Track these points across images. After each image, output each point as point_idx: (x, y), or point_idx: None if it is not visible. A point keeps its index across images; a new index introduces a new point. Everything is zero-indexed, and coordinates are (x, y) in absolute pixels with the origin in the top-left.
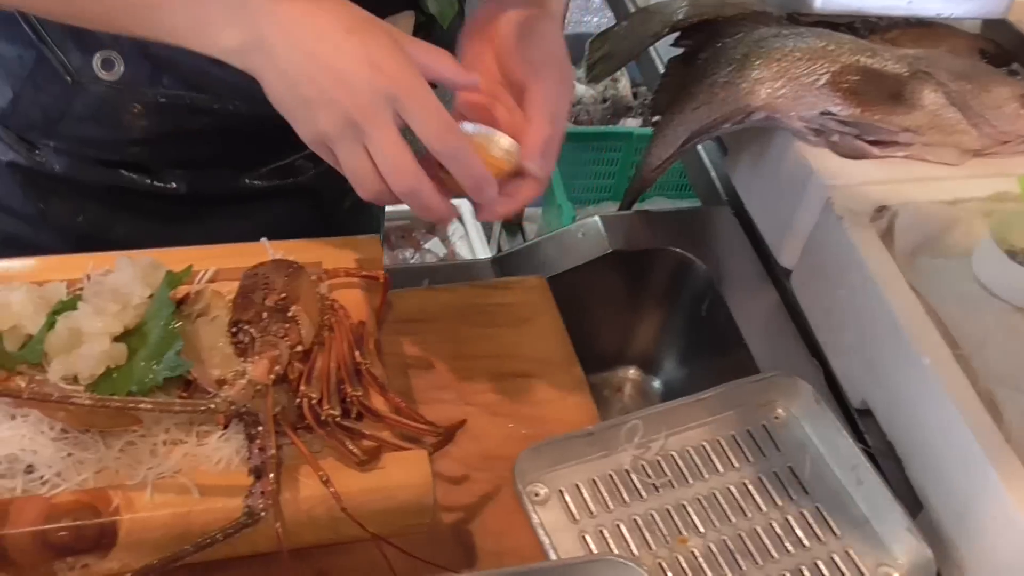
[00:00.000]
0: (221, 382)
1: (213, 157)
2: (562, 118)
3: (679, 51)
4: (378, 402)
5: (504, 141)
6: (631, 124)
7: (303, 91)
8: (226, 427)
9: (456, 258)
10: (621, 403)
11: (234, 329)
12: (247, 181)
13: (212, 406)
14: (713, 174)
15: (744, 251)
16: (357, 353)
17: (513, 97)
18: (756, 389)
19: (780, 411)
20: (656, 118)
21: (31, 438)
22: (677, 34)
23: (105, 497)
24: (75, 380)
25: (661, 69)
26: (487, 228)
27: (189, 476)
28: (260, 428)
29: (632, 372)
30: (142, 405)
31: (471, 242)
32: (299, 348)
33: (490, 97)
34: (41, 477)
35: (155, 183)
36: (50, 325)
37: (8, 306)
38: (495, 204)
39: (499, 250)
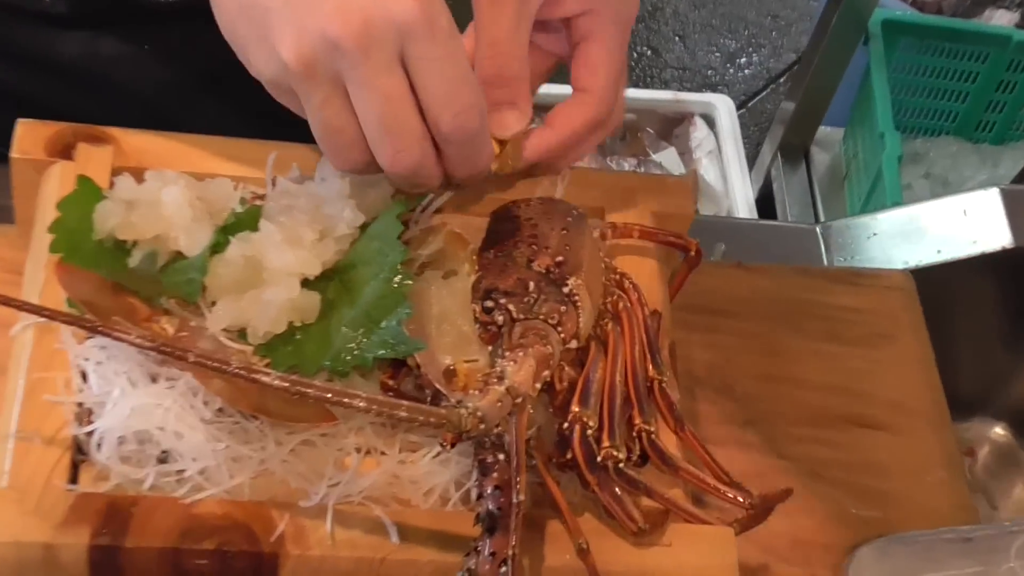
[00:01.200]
0: (451, 375)
1: None
2: (619, 86)
3: None
4: (670, 441)
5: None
6: (1004, 21)
7: None
8: (453, 445)
9: (706, 185)
10: (971, 474)
11: (488, 302)
12: None
13: (455, 419)
14: None
15: None
16: (650, 364)
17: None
18: None
19: None
20: None
21: (176, 414)
22: None
23: (266, 517)
24: (241, 335)
25: None
26: (752, 145)
27: (386, 507)
28: (501, 457)
29: (997, 430)
30: (357, 401)
31: (724, 162)
32: (573, 344)
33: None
34: (179, 472)
35: None
36: (216, 247)
37: (156, 205)
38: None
39: (767, 181)
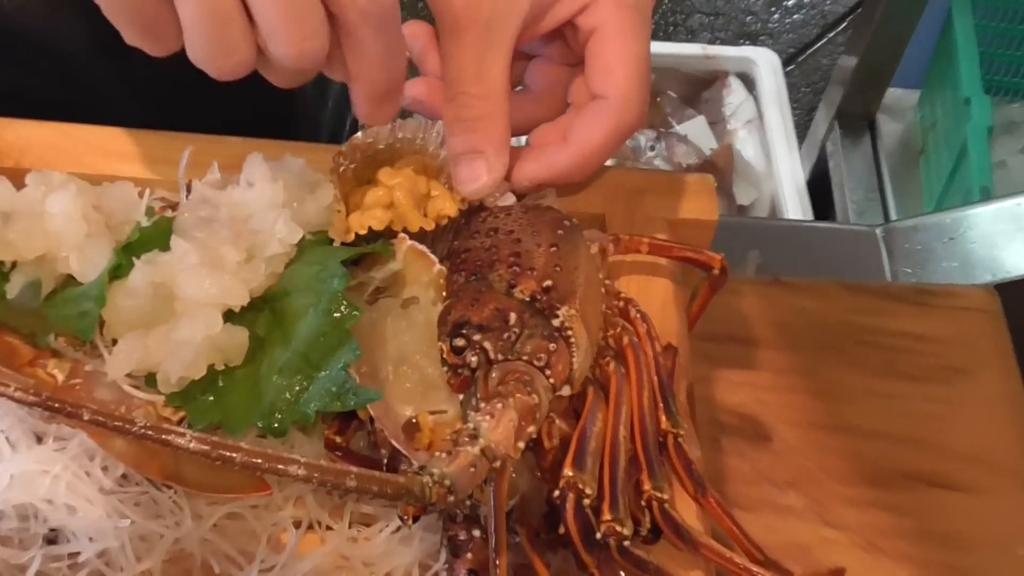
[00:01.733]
0: (412, 430)
1: None
2: (643, 83)
3: None
4: (688, 510)
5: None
6: None
7: None
8: (415, 519)
9: (743, 164)
10: None
11: (458, 339)
12: None
13: (417, 489)
14: None
15: None
16: (663, 414)
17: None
18: None
19: None
20: None
21: (67, 483)
22: None
23: None
24: (149, 382)
25: None
26: (803, 112)
27: None
28: (477, 533)
29: None
30: (292, 468)
31: (767, 134)
32: (566, 391)
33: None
34: (73, 556)
35: None
36: (116, 271)
37: (40, 218)
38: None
39: (821, 157)
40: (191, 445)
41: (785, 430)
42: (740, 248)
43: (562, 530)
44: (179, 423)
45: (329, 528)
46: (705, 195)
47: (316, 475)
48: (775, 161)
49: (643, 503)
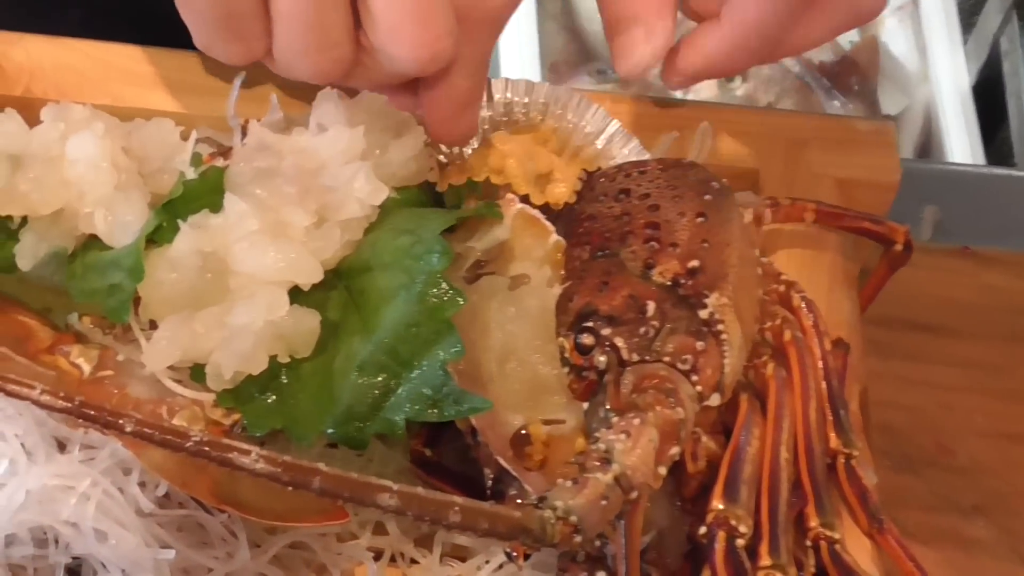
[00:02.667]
0: (522, 443)
1: None
2: None
3: None
4: (861, 548)
5: None
6: None
7: None
8: (526, 557)
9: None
10: None
11: (584, 335)
12: None
13: (537, 526)
14: None
15: None
16: (832, 430)
17: None
18: None
19: None
20: None
21: (97, 502)
22: None
23: None
24: (196, 374)
25: None
26: None
27: None
28: None
29: None
30: (383, 497)
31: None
32: (715, 400)
33: None
34: None
35: None
36: (154, 234)
37: (55, 164)
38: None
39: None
40: (258, 466)
41: (973, 442)
42: (910, 202)
43: (707, 574)
44: (232, 428)
45: (415, 562)
46: (884, 148)
47: (413, 507)
48: (932, 60)
49: (808, 542)
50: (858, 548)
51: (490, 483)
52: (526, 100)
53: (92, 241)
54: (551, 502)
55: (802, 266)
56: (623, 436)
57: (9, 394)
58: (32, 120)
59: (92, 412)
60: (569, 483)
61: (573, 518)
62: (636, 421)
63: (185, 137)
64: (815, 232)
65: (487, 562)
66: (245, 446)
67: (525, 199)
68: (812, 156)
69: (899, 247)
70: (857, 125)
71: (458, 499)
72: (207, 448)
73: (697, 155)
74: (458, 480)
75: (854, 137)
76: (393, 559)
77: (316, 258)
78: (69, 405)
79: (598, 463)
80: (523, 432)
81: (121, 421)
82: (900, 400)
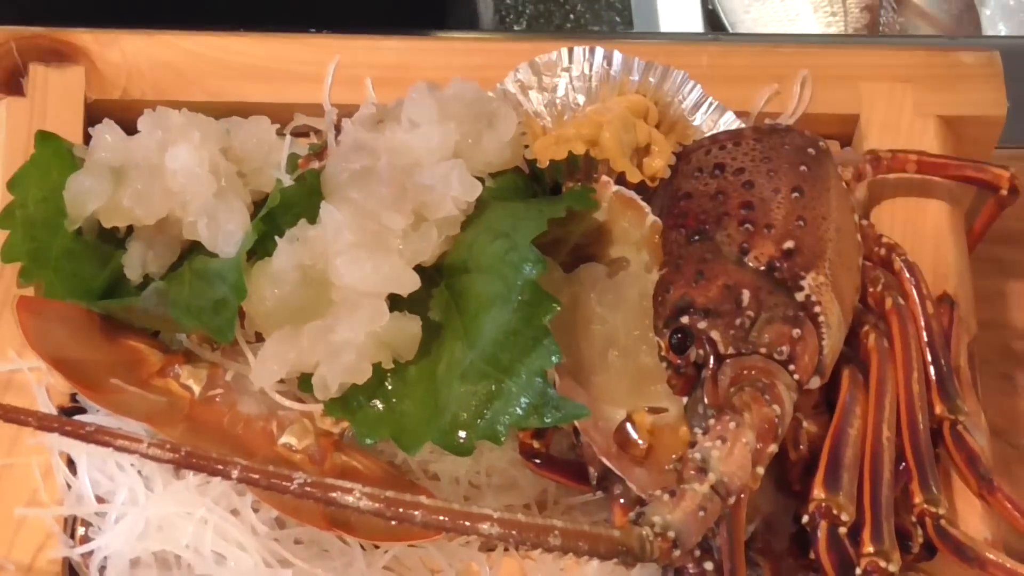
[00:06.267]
0: (627, 437)
1: None
2: None
3: None
4: (971, 511)
5: None
6: None
7: None
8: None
9: None
10: None
11: (678, 333)
12: None
13: (636, 544)
14: None
15: None
16: (937, 397)
17: None
18: None
19: None
20: None
21: (214, 526)
22: None
23: None
24: (303, 385)
25: None
26: None
27: None
28: (709, 568)
29: None
30: (484, 526)
31: None
32: (815, 383)
33: None
34: None
35: None
36: (259, 241)
37: (156, 174)
38: None
39: None
40: (362, 504)
41: None
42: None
43: (813, 555)
44: (341, 436)
45: (526, 557)
46: (990, 81)
47: (514, 533)
48: None
49: (914, 519)
50: (969, 510)
51: (595, 482)
52: (632, 76)
53: (198, 247)
54: (649, 518)
55: (907, 216)
56: (719, 442)
57: (119, 450)
58: (131, 123)
59: (199, 461)
60: (666, 496)
61: (671, 533)
62: (732, 424)
63: (282, 130)
64: (919, 180)
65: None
66: (348, 484)
67: (621, 178)
68: (914, 94)
69: (1004, 192)
70: (961, 58)
71: (558, 523)
72: (311, 489)
73: (795, 107)
74: (567, 469)
75: (958, 71)
76: (507, 549)
77: (416, 258)
78: (176, 456)
79: (694, 472)
80: (628, 423)
81: (227, 468)
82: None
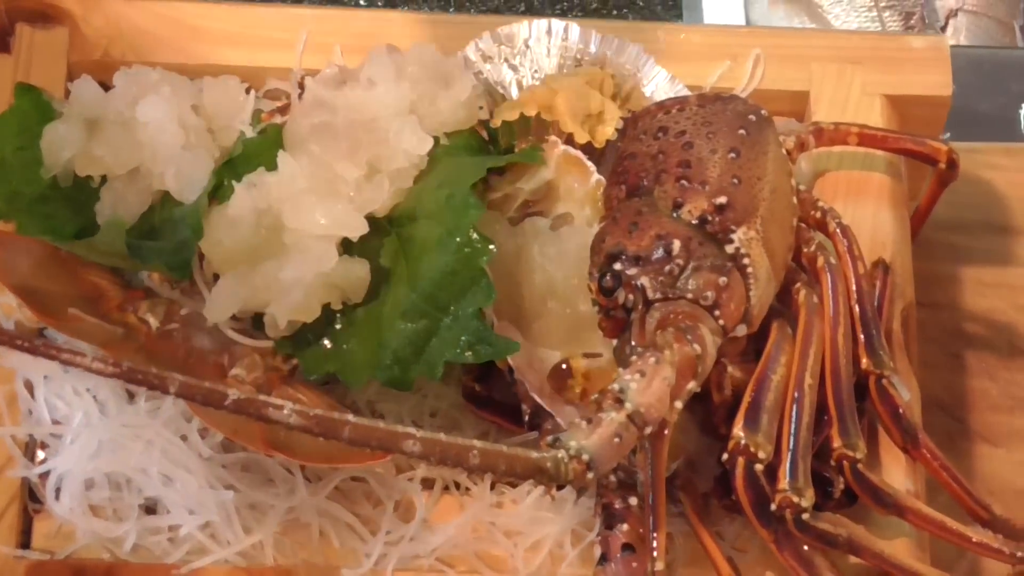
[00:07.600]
0: (563, 377)
1: None
2: None
3: None
4: (897, 470)
5: None
6: None
7: None
8: (559, 487)
9: None
10: None
11: (608, 277)
12: None
13: (551, 467)
14: None
15: None
16: (864, 352)
17: None
18: None
19: None
20: None
21: (162, 448)
22: None
23: None
24: (256, 323)
25: None
26: None
27: (473, 573)
28: (634, 502)
29: None
30: (407, 444)
31: None
32: (741, 331)
33: None
34: (173, 529)
35: None
36: (216, 190)
37: (128, 127)
38: None
39: None
40: (292, 420)
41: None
42: (1011, 91)
43: (727, 497)
44: (291, 373)
45: (464, 489)
46: (937, 64)
47: (435, 452)
48: None
49: (832, 463)
50: (894, 464)
51: (527, 418)
52: (589, 48)
53: (168, 198)
54: (565, 442)
55: (849, 188)
56: (638, 375)
57: (64, 363)
58: (111, 83)
59: (139, 375)
60: (584, 423)
61: (586, 456)
62: (652, 360)
63: (251, 90)
64: (863, 154)
65: (534, 489)
66: (279, 401)
67: (569, 140)
68: (863, 74)
69: (943, 166)
70: (910, 42)
71: (477, 443)
72: (244, 405)
73: (747, 83)
74: (507, 412)
75: (906, 54)
76: (447, 488)
77: (367, 207)
78: (118, 370)
79: (612, 403)
80: (563, 366)
81: (166, 383)
82: (975, 305)
